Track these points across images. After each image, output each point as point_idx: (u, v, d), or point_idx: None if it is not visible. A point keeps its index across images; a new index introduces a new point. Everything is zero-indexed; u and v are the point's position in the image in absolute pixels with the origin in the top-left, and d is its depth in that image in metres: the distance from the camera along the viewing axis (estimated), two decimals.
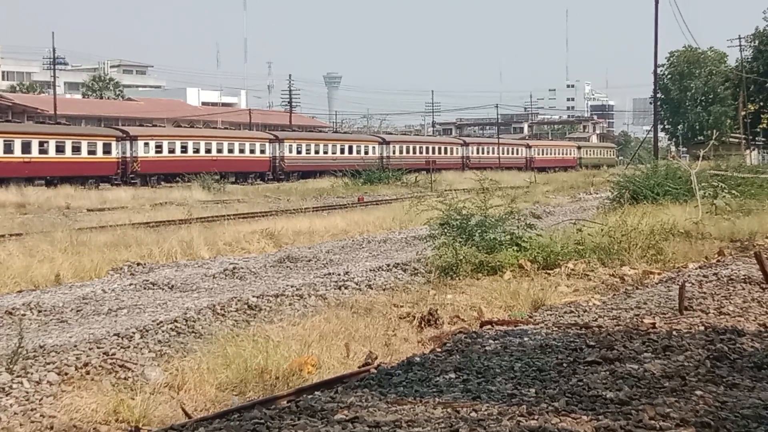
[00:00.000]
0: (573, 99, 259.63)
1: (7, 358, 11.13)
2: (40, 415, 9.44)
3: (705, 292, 14.13)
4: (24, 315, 15.34)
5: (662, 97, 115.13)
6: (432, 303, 15.22)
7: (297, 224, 30.77)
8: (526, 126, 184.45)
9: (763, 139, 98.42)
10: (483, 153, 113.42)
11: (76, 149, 66.71)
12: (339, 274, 19.22)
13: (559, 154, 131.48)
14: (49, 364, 11.19)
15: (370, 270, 19.87)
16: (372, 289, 17.44)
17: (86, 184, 63.32)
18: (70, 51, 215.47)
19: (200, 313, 14.69)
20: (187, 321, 14.09)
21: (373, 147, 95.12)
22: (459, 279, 17.73)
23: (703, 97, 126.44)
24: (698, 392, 7.99)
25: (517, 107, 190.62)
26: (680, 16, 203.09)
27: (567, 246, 19.83)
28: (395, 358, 11.45)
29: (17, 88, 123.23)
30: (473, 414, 7.63)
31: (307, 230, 29.74)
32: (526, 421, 7.37)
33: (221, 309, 15.14)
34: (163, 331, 13.36)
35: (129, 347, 12.29)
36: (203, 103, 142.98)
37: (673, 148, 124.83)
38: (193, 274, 20.42)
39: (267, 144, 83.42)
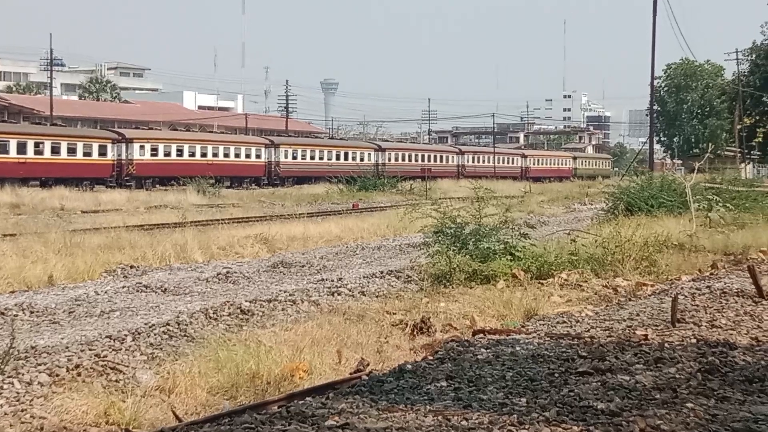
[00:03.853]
0: (569, 110, 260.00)
1: None
2: (31, 416, 9.42)
3: (698, 305, 14.14)
4: (16, 315, 15.32)
5: (658, 109, 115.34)
6: (425, 311, 15.24)
7: (291, 230, 30.74)
8: (522, 136, 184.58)
9: (758, 153, 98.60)
10: (479, 162, 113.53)
11: (72, 151, 66.64)
12: (332, 281, 19.22)
13: (554, 164, 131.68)
14: (40, 365, 11.19)
15: (364, 277, 19.89)
16: (365, 295, 17.45)
17: (81, 186, 63.20)
18: (67, 52, 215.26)
19: (193, 317, 14.68)
20: (179, 324, 14.07)
21: (369, 154, 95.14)
22: (452, 287, 17.73)
23: (699, 110, 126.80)
24: (689, 405, 8.01)
25: (513, 117, 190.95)
26: (678, 28, 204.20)
27: (561, 256, 19.85)
28: (387, 365, 11.45)
29: (14, 89, 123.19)
30: (464, 423, 7.64)
31: (301, 236, 29.72)
32: (517, 430, 7.39)
33: (214, 313, 15.12)
34: (155, 334, 13.35)
35: (121, 350, 12.28)
36: (200, 107, 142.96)
37: (668, 160, 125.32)
38: (186, 277, 20.41)
39: (263, 149, 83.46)
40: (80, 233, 26.87)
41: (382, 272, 20.43)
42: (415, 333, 13.97)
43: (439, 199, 30.82)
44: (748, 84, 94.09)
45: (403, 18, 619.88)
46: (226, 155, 79.46)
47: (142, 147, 71.90)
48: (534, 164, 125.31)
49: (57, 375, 10.81)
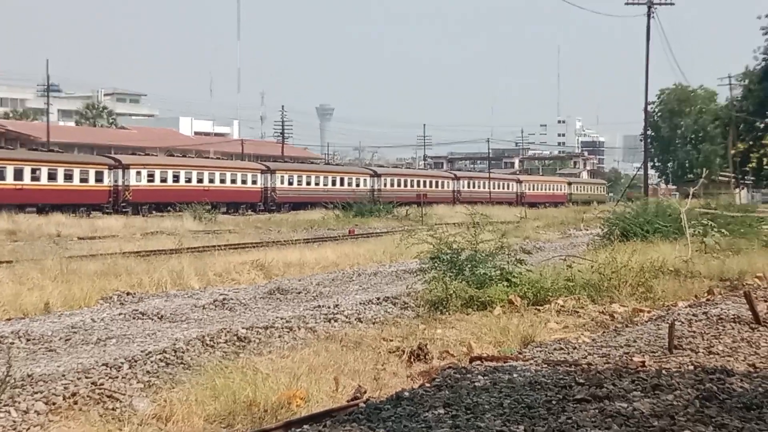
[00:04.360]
0: (564, 135, 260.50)
1: None
2: None
3: (695, 331, 14.15)
4: (12, 343, 15.27)
5: (652, 134, 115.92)
6: (421, 337, 15.21)
7: (287, 256, 30.75)
8: (517, 161, 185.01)
9: (752, 178, 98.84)
10: (474, 187, 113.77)
11: (69, 177, 66.74)
12: (329, 307, 19.19)
13: (549, 189, 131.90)
14: (36, 393, 11.16)
15: (360, 303, 19.85)
16: (362, 322, 17.42)
17: (77, 212, 63.25)
18: (64, 78, 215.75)
19: (189, 344, 14.65)
20: (176, 352, 14.05)
21: (365, 179, 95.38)
22: (449, 314, 17.71)
23: (693, 135, 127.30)
24: None
25: (508, 142, 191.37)
26: (671, 53, 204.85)
27: (557, 282, 19.83)
28: (384, 392, 11.43)
29: (10, 115, 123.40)
30: None
31: (297, 262, 29.72)
32: None
33: (210, 340, 15.10)
34: (151, 362, 13.32)
35: (117, 377, 12.26)
36: (196, 133, 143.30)
37: (662, 186, 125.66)
38: (182, 304, 20.38)
39: (259, 175, 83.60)
40: (77, 260, 26.87)
41: (378, 299, 20.40)
42: (412, 360, 13.94)
43: (435, 224, 30.87)
44: (742, 109, 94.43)
45: (399, 44, 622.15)
46: (222, 181, 79.60)
47: (138, 173, 72.03)
48: (529, 189, 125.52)
49: (54, 403, 10.78)
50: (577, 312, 17.94)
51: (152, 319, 18.22)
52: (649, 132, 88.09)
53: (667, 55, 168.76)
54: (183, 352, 14.08)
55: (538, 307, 18.24)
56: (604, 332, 15.40)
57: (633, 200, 47.46)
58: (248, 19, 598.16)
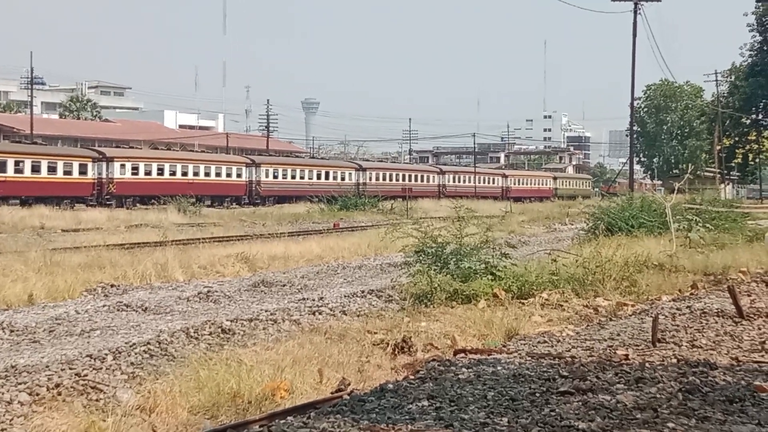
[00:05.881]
0: (550, 130, 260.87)
1: None
2: None
3: (678, 325, 14.20)
4: None
5: (638, 129, 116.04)
6: (406, 330, 15.22)
7: (272, 249, 30.71)
8: (502, 156, 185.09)
9: (737, 173, 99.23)
10: (459, 182, 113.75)
11: (52, 169, 66.44)
12: (313, 300, 19.19)
13: (535, 184, 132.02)
14: (20, 384, 11.13)
15: (345, 296, 19.86)
16: (346, 315, 17.41)
17: (61, 205, 62.97)
18: (48, 71, 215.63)
19: (173, 336, 14.62)
20: (160, 343, 14.02)
21: (350, 173, 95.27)
22: (433, 307, 17.71)
23: (678, 131, 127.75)
24: (670, 424, 8.03)
25: (494, 137, 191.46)
26: (658, 49, 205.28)
27: (541, 276, 19.86)
28: (368, 384, 11.44)
29: None
30: None
31: (282, 255, 29.69)
32: None
33: (195, 332, 15.07)
34: (135, 354, 13.29)
35: (101, 369, 12.22)
36: (181, 126, 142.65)
37: (647, 181, 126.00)
38: (167, 296, 20.35)
39: (244, 168, 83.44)
40: (60, 252, 26.79)
41: (363, 291, 20.41)
42: (396, 352, 13.96)
43: (420, 218, 30.86)
44: (728, 105, 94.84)
45: (384, 38, 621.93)
46: (207, 174, 79.38)
47: (122, 166, 71.78)
48: (514, 184, 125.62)
49: (37, 394, 10.75)
50: (562, 305, 17.99)
51: (136, 311, 18.18)
52: (635, 127, 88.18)
53: (654, 51, 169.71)
54: (167, 344, 14.04)
55: (522, 301, 18.27)
56: (588, 326, 15.46)
57: (618, 194, 47.51)
58: (234, 13, 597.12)
